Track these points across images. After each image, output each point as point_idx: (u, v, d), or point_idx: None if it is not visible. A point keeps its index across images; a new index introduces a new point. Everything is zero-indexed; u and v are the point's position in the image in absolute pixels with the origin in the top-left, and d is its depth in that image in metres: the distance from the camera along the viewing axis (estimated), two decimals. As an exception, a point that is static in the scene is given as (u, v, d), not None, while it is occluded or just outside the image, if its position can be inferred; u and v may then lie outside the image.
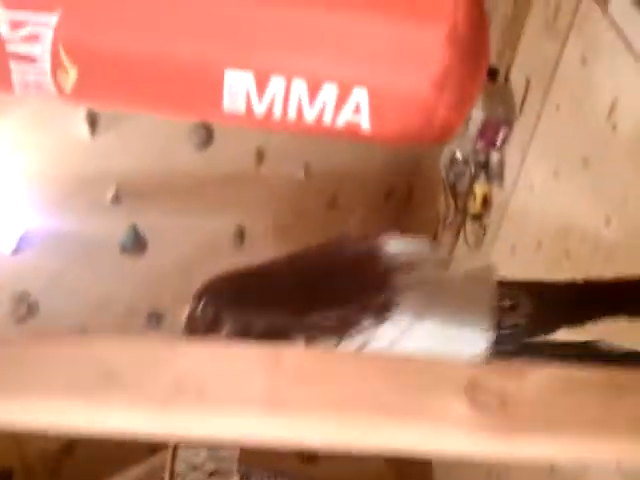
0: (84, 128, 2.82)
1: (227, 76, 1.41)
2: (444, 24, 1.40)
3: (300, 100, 1.43)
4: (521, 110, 2.75)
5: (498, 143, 2.89)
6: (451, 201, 3.45)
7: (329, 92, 1.41)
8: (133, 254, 3.41)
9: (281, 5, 1.38)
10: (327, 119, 1.47)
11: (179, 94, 1.49)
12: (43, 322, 3.30)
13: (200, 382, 0.48)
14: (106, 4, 1.37)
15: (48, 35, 1.37)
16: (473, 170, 3.16)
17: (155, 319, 3.90)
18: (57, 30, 1.36)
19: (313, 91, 1.42)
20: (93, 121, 2.82)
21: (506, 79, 2.89)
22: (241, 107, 1.46)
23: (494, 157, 3.02)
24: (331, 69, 1.41)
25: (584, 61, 2.21)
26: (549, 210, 2.44)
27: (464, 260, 3.40)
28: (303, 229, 4.24)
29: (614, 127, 2.03)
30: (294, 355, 0.52)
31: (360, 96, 1.41)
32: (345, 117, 1.46)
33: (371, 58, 1.40)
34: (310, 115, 1.46)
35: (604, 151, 2.11)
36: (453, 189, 3.41)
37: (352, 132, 1.51)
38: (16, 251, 2.94)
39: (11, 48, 1.39)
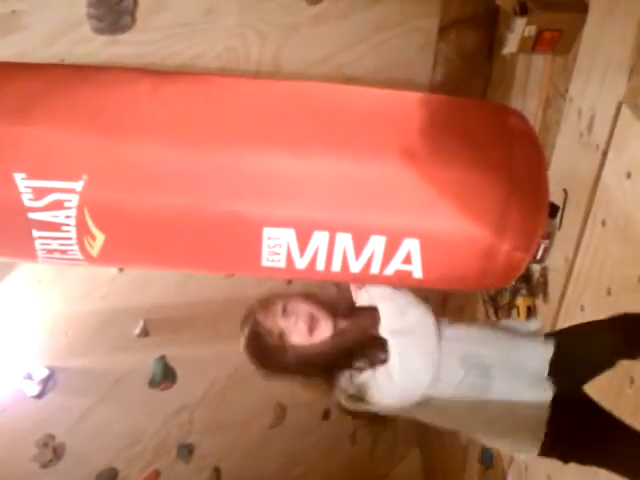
0: (111, 264, 2.76)
1: (265, 233, 1.31)
2: (501, 168, 1.30)
3: (345, 254, 1.32)
4: (561, 223, 2.63)
5: (538, 256, 2.76)
6: (492, 314, 3.29)
7: (377, 244, 1.30)
8: (163, 387, 3.27)
9: (321, 158, 1.29)
10: (374, 270, 1.36)
11: (214, 253, 1.40)
12: (70, 465, 3.13)
13: None
14: (133, 168, 1.29)
15: (73, 202, 1.30)
16: (514, 282, 3.02)
17: (187, 451, 3.71)
18: (82, 196, 1.29)
19: (359, 244, 1.31)
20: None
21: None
22: (281, 263, 1.36)
23: (535, 270, 2.88)
24: (379, 222, 1.30)
25: (629, 175, 2.11)
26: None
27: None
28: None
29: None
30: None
31: (411, 246, 1.30)
32: (394, 267, 1.34)
33: (422, 208, 1.29)
34: (356, 267, 1.35)
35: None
36: (493, 301, 3.26)
37: (402, 280, 1.39)
38: (41, 394, 2.81)
39: (33, 216, 1.32)
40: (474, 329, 1.53)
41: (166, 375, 3.24)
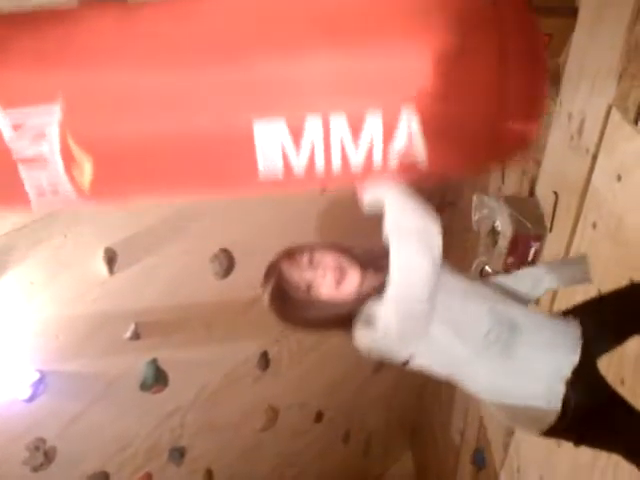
0: (102, 267, 2.75)
1: (257, 132, 1.26)
2: (492, 37, 1.27)
3: (343, 143, 1.27)
4: (552, 225, 2.64)
5: (530, 258, 2.77)
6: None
7: (374, 126, 1.25)
8: (154, 390, 3.25)
9: (313, 54, 1.24)
10: (377, 160, 1.30)
11: (208, 168, 1.34)
12: (61, 468, 3.12)
13: None
14: (109, 93, 1.26)
15: (54, 129, 1.27)
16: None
17: (178, 454, 3.70)
18: (63, 124, 1.26)
19: (356, 128, 1.26)
20: (111, 259, 2.75)
21: (531, 193, 2.81)
22: (278, 165, 1.31)
23: (527, 272, 2.89)
24: (372, 100, 1.26)
25: (619, 178, 2.12)
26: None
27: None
28: (327, 347, 4.10)
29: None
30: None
31: (410, 123, 1.25)
32: (397, 152, 1.29)
33: (417, 85, 1.24)
34: (357, 158, 1.30)
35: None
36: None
37: (407, 171, 1.34)
38: (32, 397, 2.80)
39: (18, 154, 1.29)
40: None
41: (158, 378, 3.22)
